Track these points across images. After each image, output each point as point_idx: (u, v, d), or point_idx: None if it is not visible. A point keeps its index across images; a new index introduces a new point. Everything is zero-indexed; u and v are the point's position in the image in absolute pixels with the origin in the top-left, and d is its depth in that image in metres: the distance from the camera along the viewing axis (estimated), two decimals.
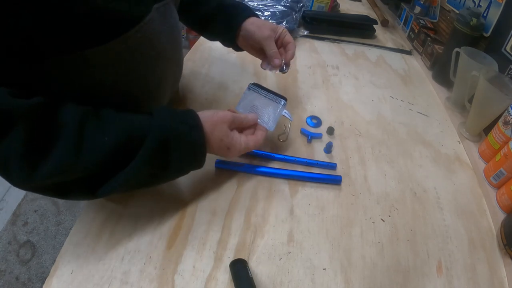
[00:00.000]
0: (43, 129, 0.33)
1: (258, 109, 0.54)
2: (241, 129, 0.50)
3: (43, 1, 0.30)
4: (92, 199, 0.38)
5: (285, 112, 0.55)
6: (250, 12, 0.60)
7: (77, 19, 0.33)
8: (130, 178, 0.37)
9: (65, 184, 0.35)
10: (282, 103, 0.54)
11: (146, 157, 0.37)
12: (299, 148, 0.60)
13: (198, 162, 0.43)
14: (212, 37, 0.67)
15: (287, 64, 0.59)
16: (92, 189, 0.37)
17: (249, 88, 0.56)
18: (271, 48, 0.57)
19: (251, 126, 0.52)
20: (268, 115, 0.53)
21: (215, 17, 0.61)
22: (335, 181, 0.54)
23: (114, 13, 0.36)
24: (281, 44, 0.60)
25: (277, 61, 0.57)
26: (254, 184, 0.53)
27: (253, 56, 0.85)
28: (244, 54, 0.85)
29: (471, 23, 0.72)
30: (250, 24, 0.58)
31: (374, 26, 1.06)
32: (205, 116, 0.44)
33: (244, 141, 0.48)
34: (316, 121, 0.67)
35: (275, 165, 0.56)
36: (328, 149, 0.59)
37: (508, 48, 0.67)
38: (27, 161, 0.32)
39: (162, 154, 0.38)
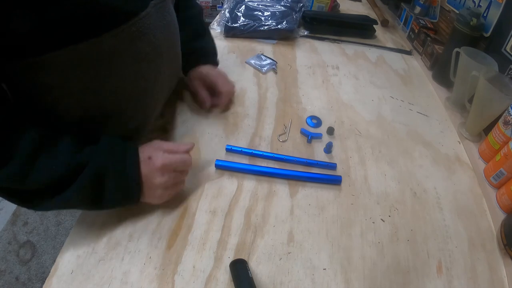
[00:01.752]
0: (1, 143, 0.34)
1: None
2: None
3: (51, 4, 0.31)
4: (32, 210, 0.41)
5: None
6: (198, 62, 0.65)
7: (72, 11, 0.33)
8: (64, 204, 0.39)
9: (12, 191, 0.38)
10: None
11: (80, 186, 0.38)
12: (299, 148, 0.60)
13: (130, 198, 0.43)
14: None
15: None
16: (32, 203, 0.39)
17: None
18: (200, 94, 0.63)
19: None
20: None
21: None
22: (335, 181, 0.54)
23: (109, 7, 0.36)
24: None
25: (205, 105, 0.63)
26: (254, 184, 0.53)
27: (253, 56, 0.85)
28: (244, 54, 0.86)
29: (471, 23, 0.72)
30: (188, 75, 0.65)
31: (374, 26, 1.06)
32: (142, 151, 0.44)
33: (167, 154, 0.45)
34: (316, 121, 0.67)
35: (275, 165, 0.56)
36: (328, 149, 0.59)
37: (508, 48, 0.67)
38: None
39: (97, 188, 0.39)
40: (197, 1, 0.71)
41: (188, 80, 0.66)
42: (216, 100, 0.64)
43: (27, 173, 0.36)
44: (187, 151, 0.47)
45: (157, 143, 0.46)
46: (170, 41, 0.51)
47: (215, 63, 0.68)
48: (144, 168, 0.42)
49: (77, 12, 0.34)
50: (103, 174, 0.39)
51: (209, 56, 0.68)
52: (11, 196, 0.38)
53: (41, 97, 0.39)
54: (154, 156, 0.43)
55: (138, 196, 0.43)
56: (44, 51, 0.34)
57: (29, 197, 0.38)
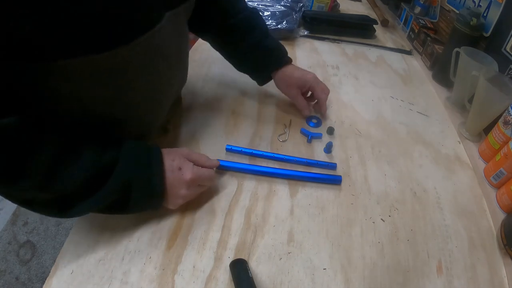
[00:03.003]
0: (20, 152, 0.34)
1: None
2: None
3: (52, 5, 0.30)
4: (61, 217, 0.39)
5: None
6: (280, 61, 0.63)
7: (87, 23, 0.32)
8: (91, 208, 0.39)
9: (37, 200, 0.37)
10: None
11: (106, 195, 0.38)
12: (299, 148, 0.60)
13: (153, 207, 0.44)
14: (241, 71, 0.68)
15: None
16: (62, 210, 0.38)
17: None
18: (300, 103, 0.65)
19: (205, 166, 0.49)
20: None
21: (249, 57, 0.63)
22: (335, 181, 0.54)
23: (125, 19, 0.35)
24: (312, 94, 0.66)
25: (306, 112, 0.65)
26: (254, 184, 0.53)
27: None
28: None
29: (471, 23, 0.72)
30: (278, 79, 0.64)
31: (374, 26, 1.06)
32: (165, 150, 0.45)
33: (196, 168, 0.46)
34: (316, 121, 0.67)
35: (275, 165, 0.56)
36: (328, 149, 0.59)
37: (508, 48, 0.67)
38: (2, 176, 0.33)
39: (121, 195, 0.39)
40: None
41: (281, 83, 0.64)
42: (316, 107, 0.67)
43: (49, 182, 0.35)
44: (213, 167, 0.49)
45: (186, 152, 0.46)
46: (181, 51, 0.50)
47: (291, 60, 0.66)
48: (171, 177, 0.43)
49: (93, 25, 0.33)
50: (129, 185, 0.39)
51: (287, 55, 0.65)
52: (35, 206, 0.37)
53: (44, 100, 0.38)
54: (184, 168, 0.44)
55: (161, 204, 0.44)
56: (57, 58, 0.33)
57: (52, 206, 0.38)
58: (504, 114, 0.57)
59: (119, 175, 0.39)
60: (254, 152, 0.57)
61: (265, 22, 0.64)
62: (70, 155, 0.37)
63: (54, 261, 0.41)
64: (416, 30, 1.00)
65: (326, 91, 0.65)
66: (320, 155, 0.59)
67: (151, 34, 0.39)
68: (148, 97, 0.46)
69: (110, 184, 0.38)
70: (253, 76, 0.67)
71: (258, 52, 0.61)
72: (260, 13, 0.93)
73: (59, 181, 0.36)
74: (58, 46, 0.33)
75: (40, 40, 0.32)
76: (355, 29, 1.04)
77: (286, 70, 0.63)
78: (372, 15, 1.19)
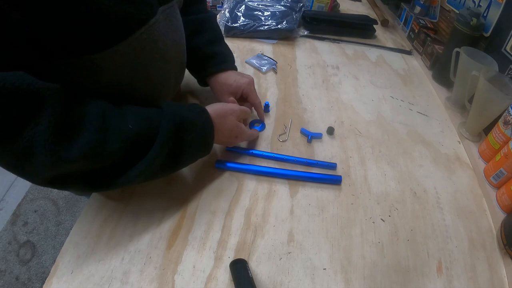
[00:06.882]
0: (69, 113, 0.33)
1: None
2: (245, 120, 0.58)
3: (50, 2, 0.30)
4: (111, 189, 0.39)
5: None
6: (217, 68, 0.61)
7: (83, 21, 0.33)
8: (149, 165, 0.38)
9: (85, 174, 0.36)
10: None
11: (164, 140, 0.39)
12: (299, 148, 0.60)
13: (207, 146, 0.46)
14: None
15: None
16: (114, 178, 0.37)
17: None
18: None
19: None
20: None
21: (190, 57, 0.60)
22: (335, 181, 0.54)
23: (120, 15, 0.36)
24: (248, 101, 0.62)
25: None
26: (254, 184, 0.53)
27: (253, 56, 0.85)
28: (244, 54, 0.86)
29: (471, 23, 0.72)
30: (213, 86, 0.62)
31: (374, 26, 1.06)
32: (215, 109, 0.48)
33: (250, 131, 0.56)
34: (259, 124, 0.64)
35: (275, 165, 0.56)
36: (266, 108, 0.62)
37: (508, 48, 0.67)
38: (54, 144, 0.32)
39: (177, 137, 0.40)
40: None
41: (214, 89, 0.62)
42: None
43: (104, 135, 0.35)
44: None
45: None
46: (178, 46, 0.51)
47: (235, 68, 0.64)
48: (218, 108, 0.48)
49: (90, 22, 0.33)
50: (181, 123, 0.41)
51: (231, 61, 0.64)
52: (95, 178, 0.37)
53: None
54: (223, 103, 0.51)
55: (212, 142, 0.46)
56: (57, 59, 0.33)
57: (115, 170, 0.37)
58: (504, 114, 0.57)
59: (170, 117, 0.40)
60: (254, 152, 0.57)
61: (219, 29, 0.65)
62: (117, 111, 0.37)
63: (54, 261, 0.41)
64: (416, 30, 1.00)
65: (258, 98, 0.62)
66: (320, 155, 0.59)
67: (146, 29, 0.39)
68: (145, 93, 0.46)
69: (163, 127, 0.39)
70: (194, 76, 0.66)
71: (198, 55, 0.60)
72: (259, 13, 0.94)
73: (113, 133, 0.36)
74: (60, 47, 0.33)
75: (43, 41, 0.32)
76: (355, 29, 1.04)
77: (221, 76, 0.61)
78: (372, 15, 1.19)
